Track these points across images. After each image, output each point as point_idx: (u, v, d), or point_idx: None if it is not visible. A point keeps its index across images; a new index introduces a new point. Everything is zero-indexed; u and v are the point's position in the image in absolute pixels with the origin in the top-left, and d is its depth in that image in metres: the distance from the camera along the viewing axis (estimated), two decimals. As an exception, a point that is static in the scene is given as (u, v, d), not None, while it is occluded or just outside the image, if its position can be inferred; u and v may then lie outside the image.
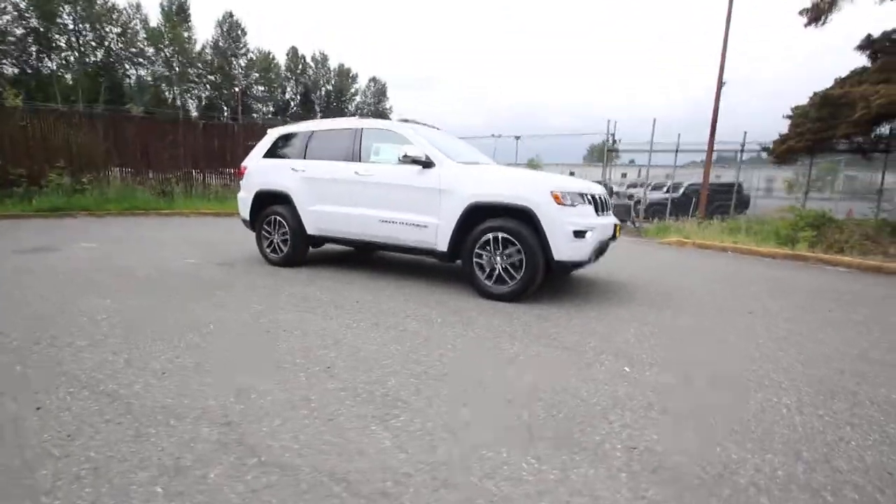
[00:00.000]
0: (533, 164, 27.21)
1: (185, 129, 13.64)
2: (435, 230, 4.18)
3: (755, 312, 3.94)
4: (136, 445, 1.71)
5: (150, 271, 4.69)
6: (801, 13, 9.02)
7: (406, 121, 4.81)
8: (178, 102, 46.91)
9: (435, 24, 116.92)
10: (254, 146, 5.71)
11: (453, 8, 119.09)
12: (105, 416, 1.91)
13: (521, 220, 3.82)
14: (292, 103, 61.20)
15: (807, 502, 1.52)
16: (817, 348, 3.06)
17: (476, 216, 4.01)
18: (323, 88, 65.53)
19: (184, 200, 12.54)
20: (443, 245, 4.18)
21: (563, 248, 3.72)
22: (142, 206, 11.51)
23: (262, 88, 54.83)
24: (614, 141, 13.02)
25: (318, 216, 4.87)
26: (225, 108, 49.99)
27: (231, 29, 50.69)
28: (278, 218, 5.13)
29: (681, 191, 15.56)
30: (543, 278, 3.92)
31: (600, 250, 4.13)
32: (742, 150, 11.97)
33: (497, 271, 3.92)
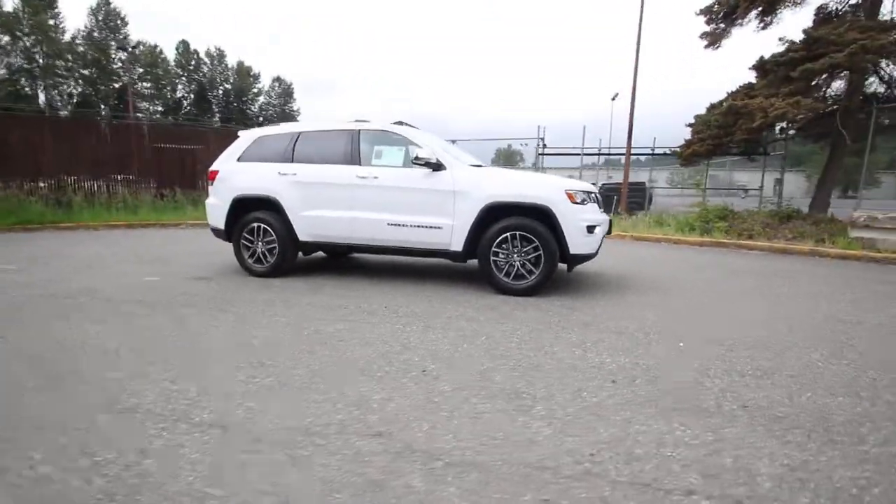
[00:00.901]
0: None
1: (84, 130, 11.83)
2: (450, 231, 4.23)
3: (728, 292, 4.58)
4: (304, 471, 1.58)
5: (114, 292, 4.10)
6: (701, 37, 10.55)
7: (401, 123, 4.78)
8: (43, 98, 39.92)
9: (340, 29, 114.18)
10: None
11: (361, 14, 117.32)
12: (236, 448, 1.72)
13: (537, 218, 4.04)
14: (185, 102, 55.46)
15: (891, 427, 1.90)
16: (797, 315, 3.68)
17: (490, 216, 4.14)
18: (220, 87, 60.43)
19: (87, 211, 10.90)
20: (457, 245, 4.24)
21: (577, 243, 4.01)
22: (35, 219, 9.81)
23: (148, 85, 48.93)
24: (544, 145, 13.94)
25: (313, 222, 4.63)
26: (102, 106, 43.70)
27: (108, 18, 44.48)
28: (263, 225, 4.77)
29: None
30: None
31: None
32: (653, 154, 13.58)
33: (515, 268, 4.09)
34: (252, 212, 4.84)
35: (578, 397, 2.14)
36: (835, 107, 9.90)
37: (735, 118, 9.23)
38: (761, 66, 9.28)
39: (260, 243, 4.82)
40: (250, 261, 4.88)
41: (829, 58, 7.56)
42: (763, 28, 10.85)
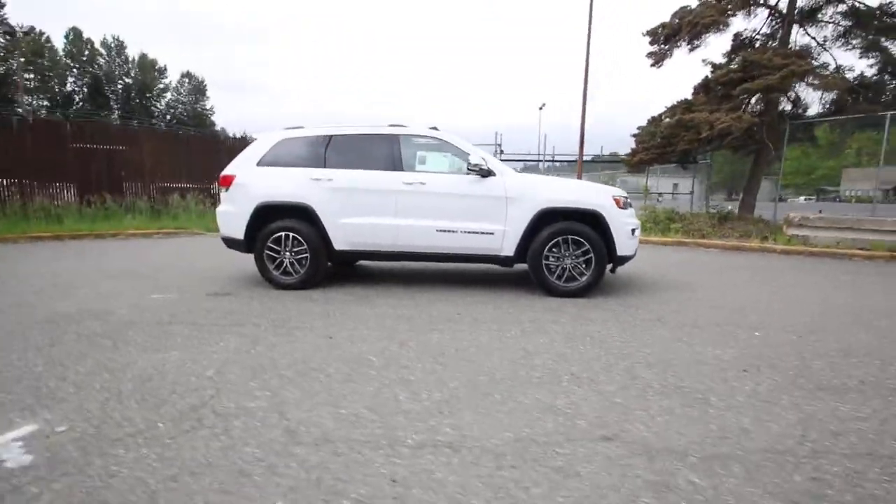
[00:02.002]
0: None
1: (-13, 127, 10.00)
2: (501, 236, 4.28)
3: (735, 285, 5.13)
4: (582, 480, 1.57)
5: (128, 313, 3.63)
6: (647, 56, 11.65)
7: (434, 128, 4.73)
8: None
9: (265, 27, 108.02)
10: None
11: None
12: (488, 465, 1.65)
13: (587, 222, 4.24)
14: (77, 97, 48.88)
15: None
16: (811, 303, 4.24)
17: (540, 222, 4.26)
18: (120, 82, 54.19)
19: (0, 221, 9.26)
20: (509, 250, 4.31)
21: (624, 245, 4.27)
22: (-67, 232, 8.14)
23: (31, 76, 42.35)
24: (501, 151, 14.42)
25: (352, 230, 4.42)
26: (-30, 99, 36.95)
27: (-25, -5, 37.71)
28: (292, 234, 4.46)
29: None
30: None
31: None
32: (603, 161, 14.67)
33: (567, 270, 4.25)
34: (278, 220, 4.50)
35: (733, 387, 2.33)
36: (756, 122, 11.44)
37: (680, 130, 10.32)
38: (705, 85, 10.47)
39: (288, 253, 4.49)
40: (276, 272, 4.53)
41: (764, 79, 8.78)
42: (691, 50, 12.24)
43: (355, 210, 4.40)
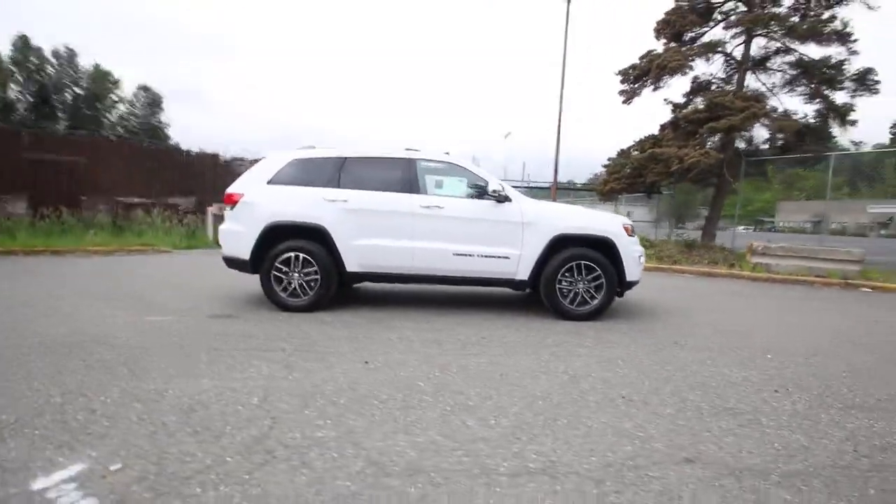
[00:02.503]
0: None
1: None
2: (517, 261, 4.36)
3: (727, 309, 5.44)
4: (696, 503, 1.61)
5: (131, 337, 3.39)
6: (619, 94, 12.42)
7: (447, 154, 4.81)
8: None
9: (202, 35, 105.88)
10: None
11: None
12: (596, 490, 1.66)
13: (598, 249, 4.40)
14: (20, 106, 45.65)
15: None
16: (801, 326, 4.56)
17: (554, 248, 4.38)
18: (69, 91, 51.20)
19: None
20: (523, 274, 4.38)
21: (632, 271, 4.45)
22: None
23: (-33, 80, 39.24)
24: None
25: (366, 252, 4.36)
26: None
27: None
28: (302, 255, 4.34)
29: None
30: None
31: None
32: (575, 189, 15.26)
33: (579, 295, 4.37)
34: (288, 240, 4.37)
35: (775, 407, 2.47)
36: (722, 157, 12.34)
37: (650, 163, 10.98)
38: (674, 122, 11.25)
39: (296, 275, 4.35)
40: (283, 294, 4.37)
41: (728, 119, 9.57)
42: (655, 90, 13.17)
43: (371, 232, 4.35)
